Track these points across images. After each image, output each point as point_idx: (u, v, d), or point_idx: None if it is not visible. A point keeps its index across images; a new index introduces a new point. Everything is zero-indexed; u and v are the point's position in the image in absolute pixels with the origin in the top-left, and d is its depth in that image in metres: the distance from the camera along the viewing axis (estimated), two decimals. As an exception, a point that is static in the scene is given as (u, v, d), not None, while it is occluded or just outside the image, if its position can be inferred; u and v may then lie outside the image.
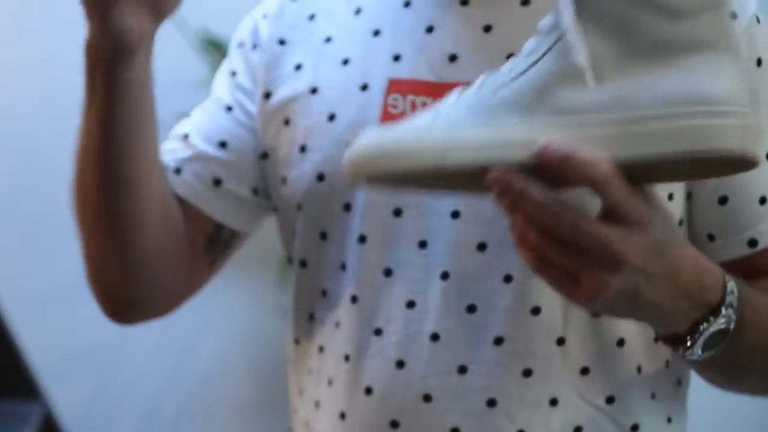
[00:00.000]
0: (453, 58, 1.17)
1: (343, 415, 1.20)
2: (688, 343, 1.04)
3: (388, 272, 1.17)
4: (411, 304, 1.16)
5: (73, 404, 2.70)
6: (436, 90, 1.16)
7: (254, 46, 1.29)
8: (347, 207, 1.20)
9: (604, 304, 0.96)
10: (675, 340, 1.05)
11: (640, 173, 0.95)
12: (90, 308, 2.81)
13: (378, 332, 1.17)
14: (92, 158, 1.20)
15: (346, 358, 1.19)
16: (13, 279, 2.63)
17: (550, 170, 0.92)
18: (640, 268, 0.94)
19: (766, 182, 1.17)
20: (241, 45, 1.31)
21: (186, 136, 1.30)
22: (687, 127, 0.93)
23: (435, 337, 1.14)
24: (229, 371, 2.73)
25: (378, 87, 1.19)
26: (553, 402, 1.14)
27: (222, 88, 1.32)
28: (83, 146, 1.22)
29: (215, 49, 2.58)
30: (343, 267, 1.20)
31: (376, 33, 1.22)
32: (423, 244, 1.15)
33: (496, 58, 1.15)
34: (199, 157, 1.28)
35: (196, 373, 2.77)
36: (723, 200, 1.17)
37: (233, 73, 1.31)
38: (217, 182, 1.28)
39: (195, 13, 2.60)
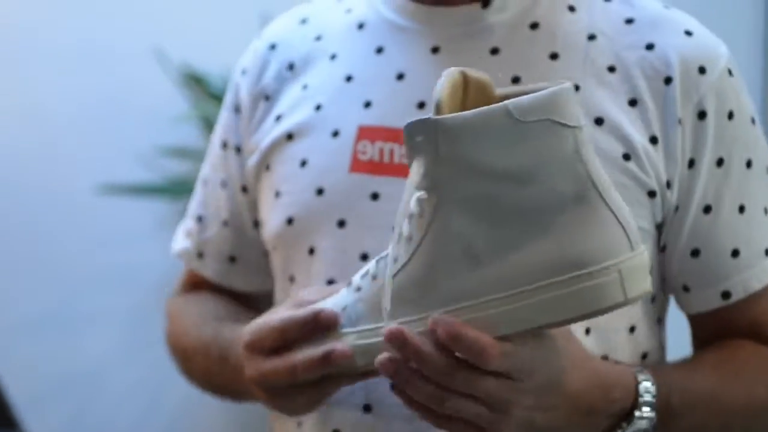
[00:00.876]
0: (422, 105, 1.19)
1: None
2: None
3: None
4: None
5: (50, 434, 2.70)
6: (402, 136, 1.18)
7: (236, 110, 1.32)
8: (311, 251, 1.21)
9: None
10: None
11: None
12: (68, 336, 2.82)
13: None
14: (202, 379, 1.35)
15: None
16: (-9, 309, 2.63)
17: (439, 344, 0.99)
18: (532, 406, 1.02)
19: (737, 234, 1.18)
20: (227, 108, 1.34)
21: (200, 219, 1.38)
22: (566, 295, 0.97)
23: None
24: (208, 401, 2.71)
25: (348, 133, 1.21)
26: None
27: (215, 159, 1.36)
28: (199, 362, 1.31)
29: (196, 83, 2.58)
30: None
31: (348, 79, 1.23)
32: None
33: None
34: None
35: (175, 403, 2.76)
36: (695, 253, 1.18)
37: (224, 145, 1.34)
38: (232, 258, 1.35)
39: (176, 48, 2.62)
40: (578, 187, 0.97)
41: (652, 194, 1.15)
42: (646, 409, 1.09)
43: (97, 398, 2.74)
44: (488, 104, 1.00)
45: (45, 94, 2.67)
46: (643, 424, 1.09)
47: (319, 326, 1.08)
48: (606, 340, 1.16)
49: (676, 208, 1.17)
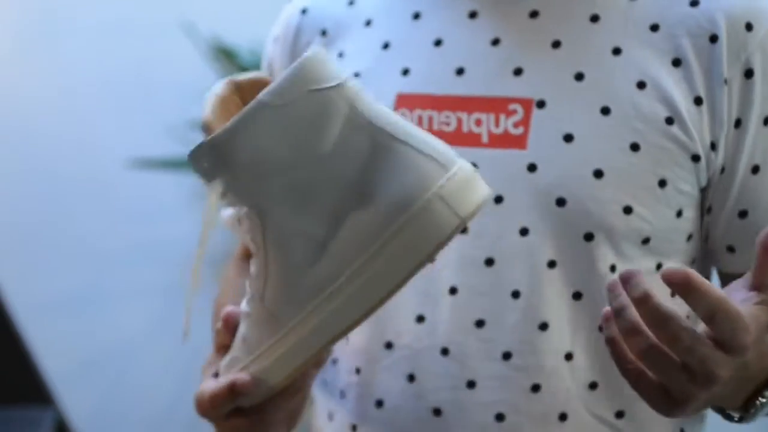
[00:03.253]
0: (460, 71, 1.17)
1: (354, 428, 1.20)
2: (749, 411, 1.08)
3: None
4: (420, 319, 1.16)
5: (85, 410, 2.71)
6: (441, 104, 1.17)
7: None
8: None
9: (686, 412, 0.99)
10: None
11: None
12: (101, 313, 2.83)
13: (389, 346, 1.17)
14: None
15: (357, 370, 1.19)
16: (26, 286, 2.64)
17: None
18: (726, 381, 0.97)
19: None
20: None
21: None
22: (406, 241, 0.94)
23: (445, 351, 1.15)
24: (240, 377, 2.72)
25: (387, 102, 1.19)
26: (563, 417, 1.14)
27: None
28: None
29: (225, 57, 2.58)
30: None
31: (386, 46, 1.22)
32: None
33: (502, 71, 1.15)
34: None
35: (208, 379, 2.77)
36: (743, 214, 1.16)
37: None
38: None
39: (205, 21, 2.61)
40: (370, 140, 0.95)
41: (695, 158, 1.13)
42: None
43: (131, 374, 2.75)
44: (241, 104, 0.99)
45: (75, 68, 2.67)
46: None
47: (239, 394, 1.05)
48: None
49: (722, 170, 1.15)
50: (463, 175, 0.96)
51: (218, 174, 0.98)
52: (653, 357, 0.95)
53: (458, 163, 0.96)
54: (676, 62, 1.14)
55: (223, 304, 1.34)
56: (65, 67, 2.67)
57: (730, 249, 1.18)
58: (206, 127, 0.99)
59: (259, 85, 1.01)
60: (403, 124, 0.97)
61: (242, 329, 1.06)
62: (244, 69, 2.55)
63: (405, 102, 1.18)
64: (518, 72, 1.15)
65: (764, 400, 1.06)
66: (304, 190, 0.97)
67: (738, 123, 1.14)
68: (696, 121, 1.13)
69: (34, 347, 2.54)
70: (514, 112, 1.14)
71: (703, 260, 1.22)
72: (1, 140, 2.69)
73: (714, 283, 1.21)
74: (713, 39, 1.13)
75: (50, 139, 2.67)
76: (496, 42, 1.17)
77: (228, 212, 1.38)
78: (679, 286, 0.93)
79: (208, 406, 1.06)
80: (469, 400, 1.14)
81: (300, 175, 0.96)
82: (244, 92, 1.02)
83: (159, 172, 2.60)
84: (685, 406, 0.98)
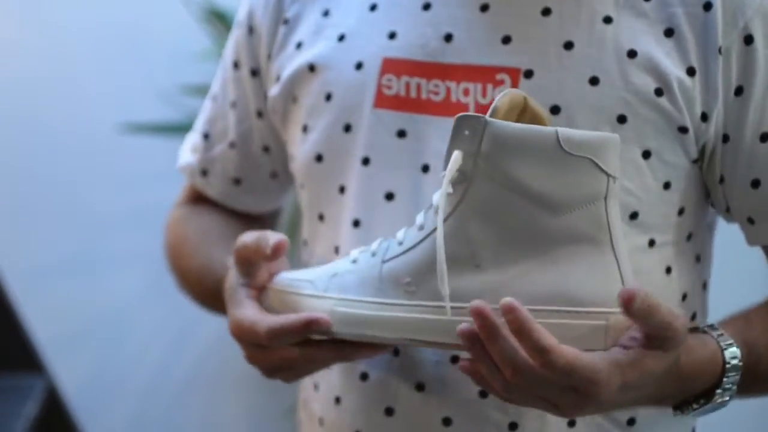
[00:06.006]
0: (448, 37, 1.15)
1: (338, 400, 1.19)
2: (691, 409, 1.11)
3: None
4: None
5: (76, 377, 2.70)
6: (430, 71, 1.15)
7: (250, 30, 1.27)
8: (342, 189, 1.18)
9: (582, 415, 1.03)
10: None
11: None
12: (93, 281, 2.82)
13: None
14: (199, 302, 1.38)
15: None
16: (15, 253, 2.63)
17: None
18: (599, 408, 1.02)
19: None
20: (239, 26, 1.30)
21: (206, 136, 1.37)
22: (552, 325, 0.97)
23: None
24: (233, 345, 2.71)
25: (372, 66, 1.17)
26: None
27: (226, 78, 1.34)
28: (193, 280, 1.35)
29: (218, 20, 2.56)
30: (336, 250, 1.18)
31: (373, 7, 1.19)
32: (420, 228, 1.14)
33: (491, 39, 1.13)
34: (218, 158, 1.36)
35: (200, 347, 2.76)
36: (755, 183, 1.14)
37: (236, 65, 1.31)
38: (237, 180, 1.35)
39: (197, -16, 2.59)
40: (596, 232, 1.00)
41: (683, 129, 1.11)
42: (731, 376, 1.09)
43: (124, 340, 2.74)
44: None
45: (65, 31, 2.65)
46: (724, 395, 1.10)
47: (313, 332, 1.06)
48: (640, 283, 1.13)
49: (725, 138, 1.12)
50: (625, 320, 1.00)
51: (466, 149, 1.01)
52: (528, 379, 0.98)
53: None
54: (669, 32, 1.11)
55: (181, 257, 1.35)
56: (56, 31, 2.64)
57: (750, 221, 1.16)
58: (494, 111, 1.01)
59: (538, 117, 1.05)
60: (622, 241, 1.02)
61: (340, 267, 1.08)
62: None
63: (391, 67, 1.16)
64: (506, 40, 1.13)
65: (705, 402, 1.10)
66: (512, 220, 1.01)
67: (739, 90, 1.11)
68: (688, 92, 1.10)
69: (25, 314, 2.53)
70: (502, 81, 1.12)
71: (701, 235, 1.19)
72: (-8, 105, 2.67)
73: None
74: (707, 7, 1.10)
75: (41, 104, 2.65)
76: (485, 8, 1.14)
77: (185, 160, 1.37)
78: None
79: (268, 336, 1.06)
80: (453, 375, 1.12)
81: (523, 208, 1.00)
82: (525, 113, 1.05)
83: (151, 137, 2.58)
84: (576, 414, 1.02)
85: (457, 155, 1.01)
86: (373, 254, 1.07)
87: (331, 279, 1.07)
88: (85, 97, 2.66)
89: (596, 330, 0.98)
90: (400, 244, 1.05)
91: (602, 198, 1.00)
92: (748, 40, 1.10)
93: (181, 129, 2.60)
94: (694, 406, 1.09)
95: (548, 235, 1.00)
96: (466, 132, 1.01)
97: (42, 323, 2.59)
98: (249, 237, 1.10)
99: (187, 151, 1.38)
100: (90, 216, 2.69)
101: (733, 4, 1.10)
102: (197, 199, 1.40)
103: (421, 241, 1.03)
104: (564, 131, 0.99)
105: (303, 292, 1.08)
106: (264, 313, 1.09)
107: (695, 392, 1.09)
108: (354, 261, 1.08)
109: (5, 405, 2.36)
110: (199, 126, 1.38)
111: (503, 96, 1.02)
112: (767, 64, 1.11)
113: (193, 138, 1.38)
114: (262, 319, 1.07)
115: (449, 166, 1.01)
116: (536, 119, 1.04)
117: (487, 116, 1.01)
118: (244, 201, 1.37)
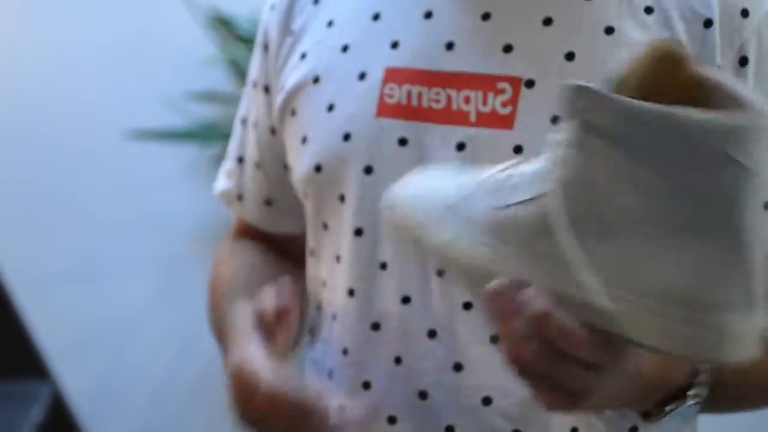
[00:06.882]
0: (450, 45, 1.15)
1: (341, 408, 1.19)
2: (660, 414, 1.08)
3: (383, 266, 1.16)
4: (406, 300, 1.14)
5: (82, 384, 2.70)
6: (431, 80, 1.15)
7: (265, 48, 1.29)
8: (342, 198, 1.18)
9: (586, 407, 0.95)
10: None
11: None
12: (99, 286, 2.82)
13: (376, 327, 1.16)
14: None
15: (345, 351, 1.19)
16: (22, 259, 2.63)
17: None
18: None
19: None
20: (257, 46, 1.32)
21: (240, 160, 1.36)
22: (680, 331, 0.84)
23: (432, 334, 1.13)
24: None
25: (375, 76, 1.17)
26: None
27: (248, 99, 1.34)
28: (215, 325, 1.36)
29: (223, 26, 2.56)
30: (338, 259, 1.19)
31: (376, 17, 1.20)
32: None
33: (492, 48, 1.13)
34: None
35: (206, 354, 2.75)
36: None
37: (254, 84, 1.32)
38: (268, 202, 1.34)
39: (202, -10, 2.60)
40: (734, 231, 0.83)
41: None
42: (699, 388, 1.07)
43: (130, 347, 2.75)
44: (676, 85, 0.83)
45: (70, 38, 2.65)
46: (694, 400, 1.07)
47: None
48: None
49: None
50: (754, 325, 0.85)
51: (581, 120, 0.83)
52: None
53: (761, 313, 0.85)
54: None
55: (214, 292, 1.34)
56: (61, 38, 2.65)
57: None
58: (620, 80, 0.83)
59: (679, 59, 0.83)
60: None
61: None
62: (242, 39, 2.53)
63: (394, 77, 1.16)
64: (508, 49, 1.13)
65: (674, 406, 1.06)
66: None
67: None
68: None
69: (31, 321, 2.53)
70: (503, 90, 1.12)
71: None
72: (-2, 111, 2.68)
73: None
74: (707, 24, 1.10)
75: (47, 111, 2.66)
76: (486, 16, 1.14)
77: (221, 186, 1.37)
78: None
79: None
80: (456, 383, 1.12)
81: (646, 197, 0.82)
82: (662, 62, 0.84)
83: (157, 144, 2.58)
84: (582, 401, 0.93)
85: (570, 129, 0.85)
86: (503, 183, 0.92)
87: (460, 204, 0.95)
88: (90, 104, 2.67)
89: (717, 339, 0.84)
90: (531, 184, 0.89)
91: (752, 197, 0.81)
92: (743, 61, 1.10)
93: (186, 135, 2.62)
94: (666, 409, 1.07)
95: (684, 224, 0.81)
96: (580, 104, 0.84)
97: (48, 330, 2.60)
98: (267, 304, 1.13)
99: (223, 177, 1.38)
100: (96, 222, 2.70)
101: (732, 24, 1.10)
102: (242, 228, 1.40)
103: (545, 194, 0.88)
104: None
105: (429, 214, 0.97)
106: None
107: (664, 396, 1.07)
108: (484, 185, 0.94)
109: (11, 411, 2.37)
110: (232, 151, 1.37)
111: (639, 56, 0.83)
112: (756, 83, 1.10)
113: (228, 164, 1.38)
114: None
115: (563, 139, 0.85)
116: (676, 62, 0.84)
117: (614, 93, 0.82)
118: (280, 223, 1.36)
